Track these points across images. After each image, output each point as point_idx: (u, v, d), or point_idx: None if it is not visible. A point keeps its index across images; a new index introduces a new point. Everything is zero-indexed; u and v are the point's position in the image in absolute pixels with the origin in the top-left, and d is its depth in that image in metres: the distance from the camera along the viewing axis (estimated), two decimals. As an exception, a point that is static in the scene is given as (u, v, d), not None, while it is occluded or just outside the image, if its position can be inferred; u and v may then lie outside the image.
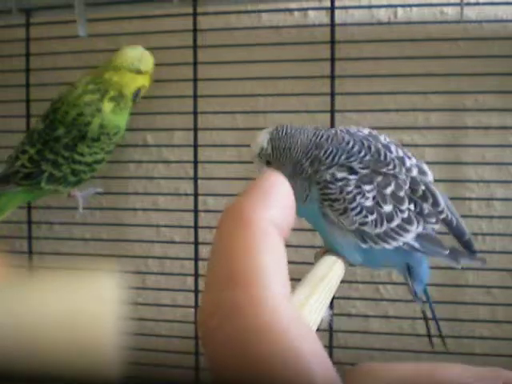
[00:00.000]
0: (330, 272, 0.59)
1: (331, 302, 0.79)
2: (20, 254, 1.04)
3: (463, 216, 0.68)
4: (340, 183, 0.61)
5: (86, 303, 0.17)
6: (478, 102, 0.92)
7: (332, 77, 0.91)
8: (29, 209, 1.03)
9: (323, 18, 0.96)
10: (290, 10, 0.97)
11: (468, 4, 0.90)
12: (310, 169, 0.63)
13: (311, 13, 0.97)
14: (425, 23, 0.92)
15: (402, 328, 0.97)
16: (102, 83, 0.88)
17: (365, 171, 0.62)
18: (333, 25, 0.92)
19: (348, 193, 0.61)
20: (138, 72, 0.89)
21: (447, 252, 0.65)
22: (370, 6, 0.94)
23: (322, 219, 0.63)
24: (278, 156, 0.65)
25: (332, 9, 0.92)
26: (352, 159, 0.62)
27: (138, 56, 0.89)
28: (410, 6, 0.93)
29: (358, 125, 0.70)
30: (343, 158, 0.62)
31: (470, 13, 0.91)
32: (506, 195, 0.92)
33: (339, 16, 0.93)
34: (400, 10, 0.94)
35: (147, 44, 0.95)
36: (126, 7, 0.97)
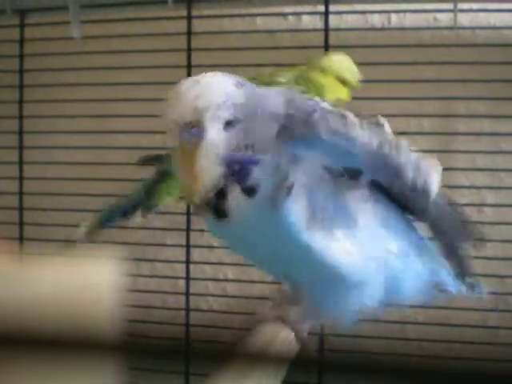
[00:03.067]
0: None
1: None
2: (11, 240, 1.03)
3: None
4: None
5: (78, 293, 0.17)
6: (470, 109, 0.92)
7: (325, 81, 0.92)
8: (20, 194, 1.02)
9: (317, 22, 0.96)
10: (285, 15, 0.98)
11: (461, 11, 0.90)
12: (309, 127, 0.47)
13: (305, 17, 0.97)
14: (418, 29, 0.93)
15: (393, 331, 0.97)
16: (305, 83, 0.80)
17: None
18: (327, 29, 0.92)
19: None
20: (343, 81, 0.82)
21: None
22: (363, 12, 0.94)
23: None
24: (253, 107, 0.45)
25: (326, 14, 0.92)
26: None
27: (346, 64, 0.83)
28: (403, 11, 0.94)
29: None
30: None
31: (463, 19, 0.92)
32: (496, 201, 0.93)
33: (333, 21, 0.94)
34: (394, 16, 0.95)
35: (142, 46, 0.95)
36: (120, 9, 0.97)
